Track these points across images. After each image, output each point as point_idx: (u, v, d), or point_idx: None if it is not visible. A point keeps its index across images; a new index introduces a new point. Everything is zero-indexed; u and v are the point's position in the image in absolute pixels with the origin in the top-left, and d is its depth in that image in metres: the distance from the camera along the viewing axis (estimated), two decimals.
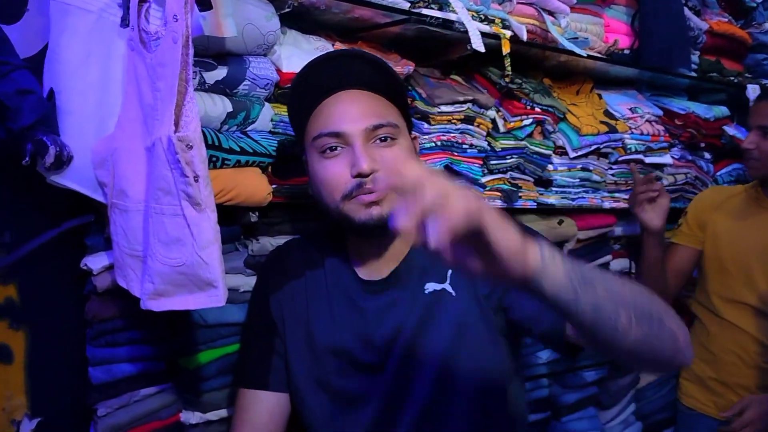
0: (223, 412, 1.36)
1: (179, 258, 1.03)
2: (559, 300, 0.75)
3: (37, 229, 1.24)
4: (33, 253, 1.24)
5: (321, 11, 1.45)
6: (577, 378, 2.03)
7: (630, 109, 2.02)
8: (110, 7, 1.14)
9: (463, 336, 1.10)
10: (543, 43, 1.75)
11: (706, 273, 2.01)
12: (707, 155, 2.30)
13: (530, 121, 1.74)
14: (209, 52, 1.26)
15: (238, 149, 1.27)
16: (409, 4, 1.49)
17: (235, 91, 1.30)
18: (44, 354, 1.28)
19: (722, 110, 2.30)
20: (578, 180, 1.91)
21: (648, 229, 1.88)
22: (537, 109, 1.74)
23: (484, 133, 1.69)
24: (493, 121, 1.70)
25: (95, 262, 1.24)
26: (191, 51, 1.02)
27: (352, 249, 1.19)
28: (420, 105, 1.58)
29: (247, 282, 1.38)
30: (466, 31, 1.51)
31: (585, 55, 1.79)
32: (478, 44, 1.52)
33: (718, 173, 2.36)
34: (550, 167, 1.85)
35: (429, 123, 1.58)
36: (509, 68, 1.61)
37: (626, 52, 1.99)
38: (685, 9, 2.07)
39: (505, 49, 1.59)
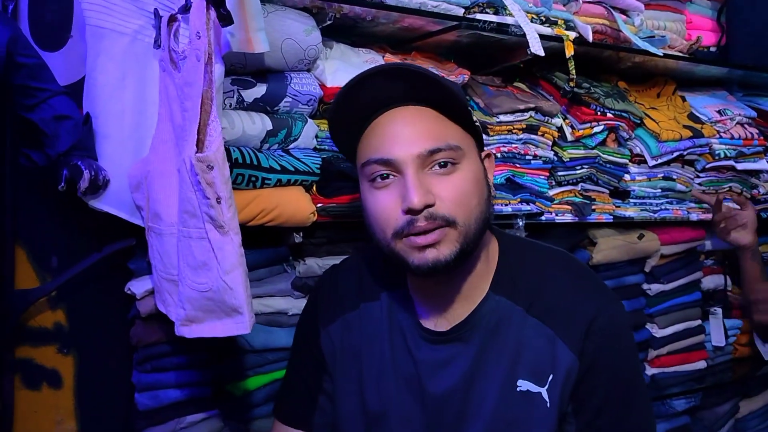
0: None
1: (206, 283, 0.99)
2: None
3: (83, 254, 1.25)
4: (79, 278, 1.24)
5: (369, 22, 1.40)
6: (665, 407, 1.89)
7: (718, 112, 1.85)
8: (144, 29, 1.14)
9: None
10: (614, 43, 1.63)
11: None
12: None
13: (601, 128, 1.62)
14: (247, 69, 1.23)
15: (279, 168, 1.23)
16: (463, 10, 1.43)
17: (276, 108, 1.26)
18: (93, 379, 1.28)
19: None
20: (660, 190, 1.77)
21: (739, 247, 1.78)
22: (609, 115, 1.61)
23: (550, 143, 1.58)
24: (560, 129, 1.59)
25: (138, 286, 1.23)
26: (216, 69, 0.99)
27: (413, 285, 1.05)
28: (478, 115, 1.50)
29: (295, 305, 1.34)
30: (524, 35, 1.42)
31: (661, 55, 1.64)
32: (536, 48, 1.42)
33: None
34: (627, 177, 1.72)
35: (488, 134, 1.49)
36: (573, 72, 1.50)
37: (712, 49, 1.85)
38: None
39: (569, 51, 1.48)
